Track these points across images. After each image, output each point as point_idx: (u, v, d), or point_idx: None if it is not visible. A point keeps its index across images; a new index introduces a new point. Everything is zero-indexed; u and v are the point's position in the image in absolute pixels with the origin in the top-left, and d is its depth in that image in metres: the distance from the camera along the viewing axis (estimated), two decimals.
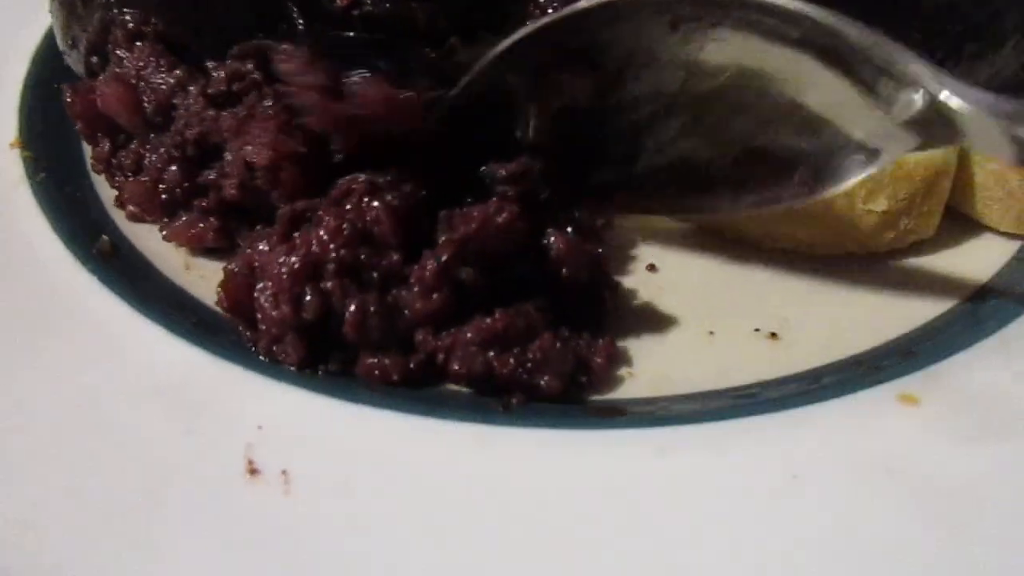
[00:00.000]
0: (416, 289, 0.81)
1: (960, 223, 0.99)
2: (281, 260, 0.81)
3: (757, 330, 0.89)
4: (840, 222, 0.94)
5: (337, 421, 0.76)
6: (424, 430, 0.76)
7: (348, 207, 0.82)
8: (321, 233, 0.81)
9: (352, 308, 0.80)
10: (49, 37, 1.13)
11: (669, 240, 0.99)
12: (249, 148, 0.87)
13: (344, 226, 0.81)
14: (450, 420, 0.76)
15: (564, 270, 0.85)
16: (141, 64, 0.93)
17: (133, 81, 0.93)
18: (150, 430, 0.75)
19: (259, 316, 0.82)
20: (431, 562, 0.67)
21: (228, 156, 0.90)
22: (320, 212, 0.83)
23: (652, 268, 0.96)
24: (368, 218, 0.82)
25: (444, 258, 0.80)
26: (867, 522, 0.69)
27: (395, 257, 0.82)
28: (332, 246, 0.81)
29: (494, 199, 0.84)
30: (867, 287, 0.94)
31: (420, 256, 0.82)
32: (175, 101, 0.92)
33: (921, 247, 0.97)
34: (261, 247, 0.84)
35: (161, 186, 0.93)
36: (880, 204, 0.93)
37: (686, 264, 0.96)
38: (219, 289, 0.85)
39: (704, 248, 0.98)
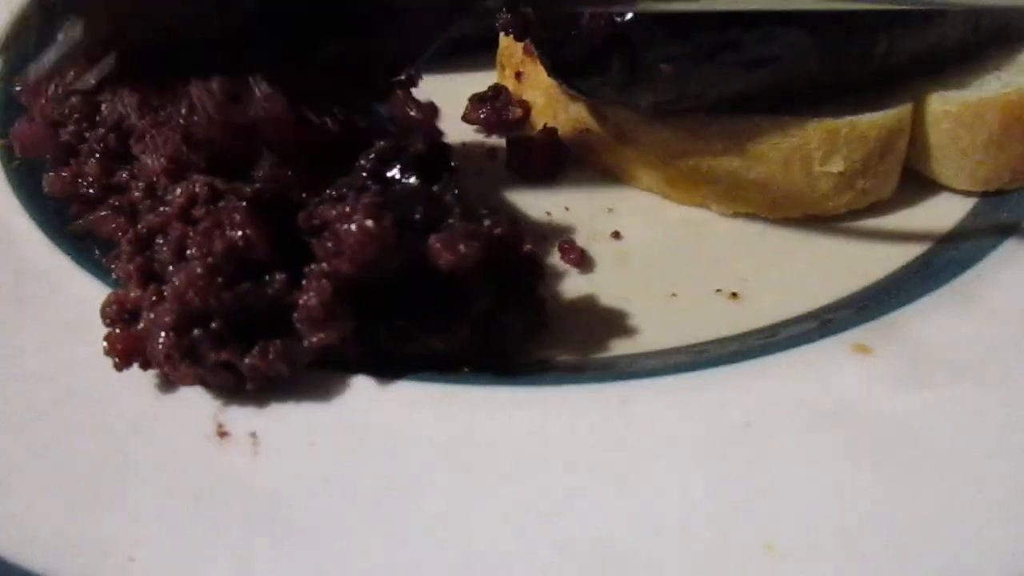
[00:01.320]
0: (308, 323, 0.76)
1: (918, 183, 1.01)
2: (154, 318, 0.77)
3: (718, 291, 0.91)
4: (798, 184, 0.96)
5: (303, 385, 0.78)
6: (389, 391, 0.78)
7: (201, 220, 0.78)
8: (189, 273, 0.76)
9: (251, 363, 0.76)
10: (19, 27, 1.15)
11: (633, 209, 1.01)
12: (146, 154, 0.86)
13: (209, 259, 0.76)
14: (414, 381, 0.78)
15: (447, 269, 0.77)
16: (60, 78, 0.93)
17: (51, 106, 0.94)
18: (122, 399, 0.77)
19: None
20: (397, 519, 0.69)
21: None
22: (174, 235, 0.79)
23: (617, 235, 0.98)
24: (229, 226, 0.77)
25: (326, 297, 0.76)
26: (817, 465, 0.71)
27: (278, 279, 0.77)
28: (208, 291, 0.76)
29: (359, 201, 0.78)
30: (826, 247, 0.96)
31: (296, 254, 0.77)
32: (101, 99, 0.91)
33: (879, 207, 0.99)
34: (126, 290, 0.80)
35: (80, 180, 0.94)
36: (836, 165, 0.95)
37: (649, 231, 0.99)
38: (106, 345, 0.78)
39: (667, 216, 1.00)
